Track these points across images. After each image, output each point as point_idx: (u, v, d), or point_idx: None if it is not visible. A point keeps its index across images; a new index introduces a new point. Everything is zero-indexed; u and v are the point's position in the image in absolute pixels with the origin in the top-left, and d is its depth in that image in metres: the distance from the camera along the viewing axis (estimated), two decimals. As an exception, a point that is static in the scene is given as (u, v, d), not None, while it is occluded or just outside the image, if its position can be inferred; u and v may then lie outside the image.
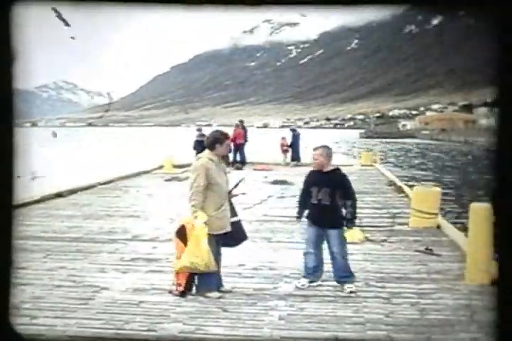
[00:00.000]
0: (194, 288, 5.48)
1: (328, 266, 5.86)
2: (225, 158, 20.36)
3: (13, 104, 0.81)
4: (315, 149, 5.78)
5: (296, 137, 22.49)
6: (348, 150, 55.40)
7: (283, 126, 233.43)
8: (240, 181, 5.95)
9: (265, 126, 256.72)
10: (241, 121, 22.76)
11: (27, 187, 10.86)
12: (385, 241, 8.03)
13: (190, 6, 0.82)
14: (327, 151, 5.77)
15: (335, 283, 5.79)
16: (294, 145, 22.36)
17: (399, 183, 15.02)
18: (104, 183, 15.44)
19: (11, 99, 0.80)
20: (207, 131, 22.43)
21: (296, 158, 22.25)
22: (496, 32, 0.82)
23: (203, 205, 5.24)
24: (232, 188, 5.67)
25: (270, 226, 9.16)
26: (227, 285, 5.74)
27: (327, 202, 5.59)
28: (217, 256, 5.42)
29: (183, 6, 0.82)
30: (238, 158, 21.48)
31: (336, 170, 5.79)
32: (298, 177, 17.13)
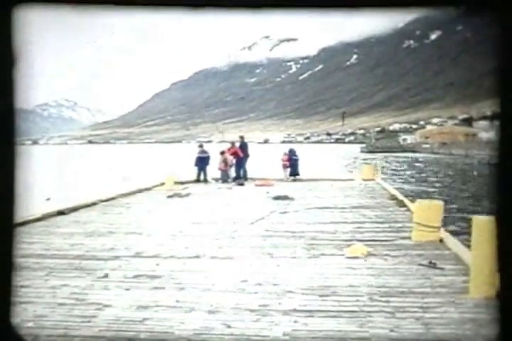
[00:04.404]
0: None
1: (334, 282, 5.81)
2: (225, 172, 20.40)
3: (14, 118, 0.81)
4: None
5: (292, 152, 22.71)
6: (348, 165, 55.43)
7: (284, 142, 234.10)
8: None
9: (266, 141, 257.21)
10: (241, 137, 22.92)
11: (29, 205, 10.86)
12: (387, 255, 8.00)
13: (189, 9, 0.82)
14: None
15: (339, 298, 5.77)
16: (293, 161, 22.53)
17: (400, 197, 15.00)
18: (106, 200, 15.44)
19: (12, 113, 0.81)
20: (208, 147, 22.61)
21: (293, 173, 22.37)
22: (498, 41, 0.83)
23: None
24: None
25: (273, 242, 9.13)
26: (230, 301, 5.72)
27: None
28: None
29: (183, 8, 0.82)
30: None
31: None
32: (299, 192, 17.19)
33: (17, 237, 0.84)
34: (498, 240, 0.87)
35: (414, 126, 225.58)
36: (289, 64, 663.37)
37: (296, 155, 22.64)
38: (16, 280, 0.84)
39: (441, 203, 9.35)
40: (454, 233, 10.23)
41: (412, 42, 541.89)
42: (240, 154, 21.59)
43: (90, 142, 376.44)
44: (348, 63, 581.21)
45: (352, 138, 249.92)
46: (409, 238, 9.13)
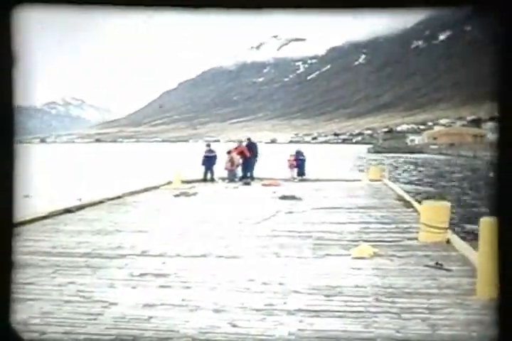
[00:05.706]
0: None
1: (338, 282, 5.80)
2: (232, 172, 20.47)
3: (14, 118, 0.81)
4: None
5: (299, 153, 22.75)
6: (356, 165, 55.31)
7: (291, 142, 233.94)
8: None
9: (273, 141, 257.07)
10: (248, 139, 23.06)
11: (30, 204, 10.92)
12: (394, 256, 7.98)
13: (193, 10, 0.82)
14: None
15: (345, 298, 5.76)
16: (300, 161, 22.56)
17: (407, 198, 14.96)
18: (113, 199, 15.48)
19: (12, 113, 0.81)
20: (215, 147, 22.66)
21: (300, 173, 22.41)
22: (498, 44, 0.82)
23: None
24: None
25: (279, 242, 9.13)
26: (235, 300, 5.72)
27: None
28: None
29: (191, 8, 0.82)
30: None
31: None
32: (305, 192, 17.17)
33: (16, 236, 0.84)
34: (500, 241, 0.87)
35: (422, 127, 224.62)
36: (297, 64, 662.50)
37: (303, 156, 22.64)
38: (15, 280, 0.84)
39: (448, 204, 9.31)
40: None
41: (420, 42, 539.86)
42: (247, 154, 21.61)
43: (98, 140, 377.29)
44: (356, 63, 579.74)
45: (359, 138, 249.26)
46: (415, 239, 9.10)
